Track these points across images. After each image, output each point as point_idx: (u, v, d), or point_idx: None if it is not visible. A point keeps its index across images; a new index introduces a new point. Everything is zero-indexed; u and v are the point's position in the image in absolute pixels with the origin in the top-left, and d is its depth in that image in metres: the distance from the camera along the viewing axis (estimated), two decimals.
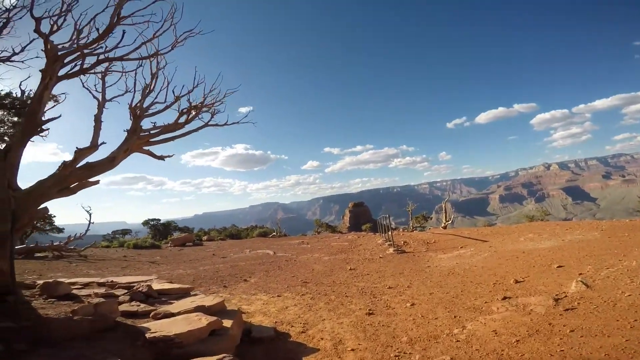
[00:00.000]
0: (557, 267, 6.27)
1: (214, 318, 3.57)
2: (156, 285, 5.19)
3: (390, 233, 14.22)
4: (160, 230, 29.44)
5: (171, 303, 4.44)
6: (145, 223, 30.21)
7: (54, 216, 25.25)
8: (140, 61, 5.52)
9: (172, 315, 3.86)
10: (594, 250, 7.02)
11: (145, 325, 3.42)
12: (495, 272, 6.93)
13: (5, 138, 4.81)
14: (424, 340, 3.96)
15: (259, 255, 13.95)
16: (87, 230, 16.83)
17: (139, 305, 4.12)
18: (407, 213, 29.58)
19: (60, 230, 24.59)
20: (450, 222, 24.29)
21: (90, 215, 16.45)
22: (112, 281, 5.85)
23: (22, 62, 4.85)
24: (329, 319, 5.02)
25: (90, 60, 4.80)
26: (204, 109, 6.83)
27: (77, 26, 4.57)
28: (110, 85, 5.83)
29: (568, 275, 5.63)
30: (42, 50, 4.38)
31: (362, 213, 71.20)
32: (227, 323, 3.78)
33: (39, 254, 14.68)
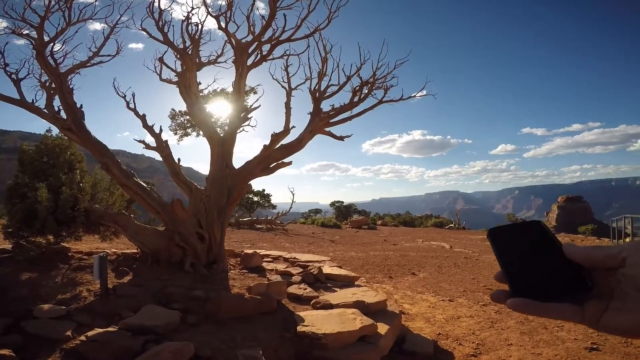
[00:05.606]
0: None
1: (370, 322, 3.25)
2: (326, 269, 5.45)
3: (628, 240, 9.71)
4: (343, 212, 33.07)
5: (334, 291, 4.50)
6: (332, 204, 34.79)
7: (271, 195, 33.10)
8: (307, 43, 5.93)
9: (331, 306, 3.84)
10: None
11: (301, 314, 3.50)
12: None
13: (225, 128, 6.17)
14: None
15: (432, 248, 12.89)
16: (290, 208, 20.82)
17: (305, 289, 4.37)
18: None
19: (274, 207, 31.94)
20: None
21: (293, 195, 20.36)
22: (294, 258, 6.68)
23: (226, 62, 6.09)
24: (518, 345, 3.68)
25: (265, 49, 5.49)
26: (377, 83, 6.61)
27: (249, 20, 5.28)
28: (292, 75, 6.56)
29: None
30: (226, 41, 5.30)
31: (578, 210, 54.21)
32: (382, 328, 3.39)
33: (258, 226, 19.48)
